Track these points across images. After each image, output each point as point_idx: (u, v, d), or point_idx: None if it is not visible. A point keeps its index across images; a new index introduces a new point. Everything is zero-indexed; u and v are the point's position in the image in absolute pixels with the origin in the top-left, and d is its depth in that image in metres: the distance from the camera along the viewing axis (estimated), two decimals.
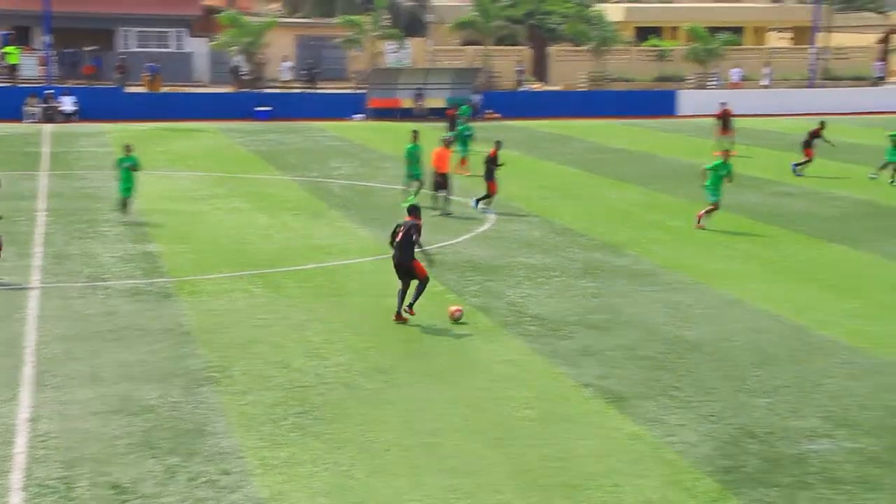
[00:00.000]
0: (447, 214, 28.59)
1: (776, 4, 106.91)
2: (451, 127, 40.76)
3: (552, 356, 16.60)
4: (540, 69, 73.25)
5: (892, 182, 34.37)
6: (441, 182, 28.88)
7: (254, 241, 25.18)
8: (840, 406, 14.46)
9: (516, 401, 14.67)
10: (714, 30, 73.11)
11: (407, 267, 18.28)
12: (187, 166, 38.30)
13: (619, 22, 79.32)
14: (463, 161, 36.25)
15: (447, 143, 29.81)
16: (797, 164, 37.31)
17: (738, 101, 63.09)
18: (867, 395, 14.92)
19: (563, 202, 31.09)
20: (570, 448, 13.14)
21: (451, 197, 29.16)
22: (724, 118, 43.26)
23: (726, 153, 27.33)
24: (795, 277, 22.09)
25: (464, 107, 46.09)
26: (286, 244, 24.87)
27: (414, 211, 18.76)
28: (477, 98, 57.70)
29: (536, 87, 69.18)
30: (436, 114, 55.83)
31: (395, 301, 18.53)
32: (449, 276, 21.72)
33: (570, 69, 71.32)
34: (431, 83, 59.72)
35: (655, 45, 76.77)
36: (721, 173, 26.70)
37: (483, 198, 29.37)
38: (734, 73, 69.65)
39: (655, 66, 72.28)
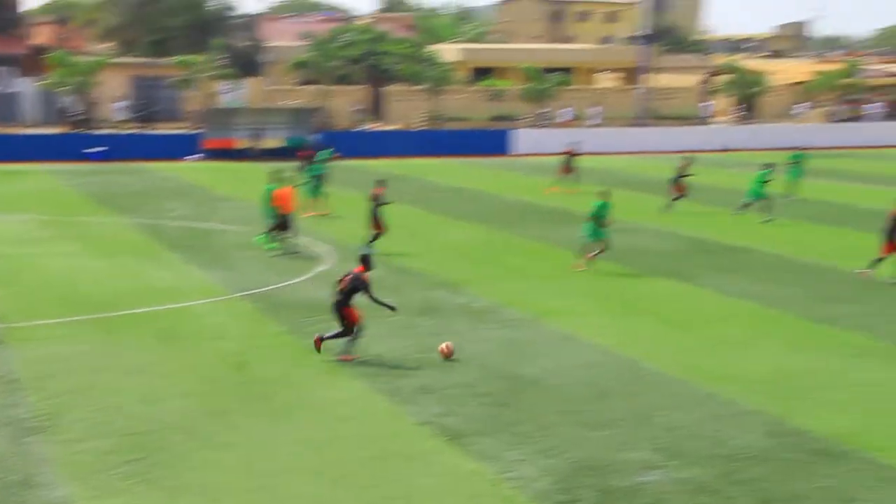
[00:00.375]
0: (291, 253, 28.49)
1: (605, 46, 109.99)
2: (304, 167, 40.69)
3: (392, 395, 16.66)
4: (378, 108, 73.70)
5: (736, 213, 35.57)
6: (284, 222, 28.78)
7: (86, 285, 24.63)
8: (671, 437, 14.87)
9: (356, 440, 14.68)
10: (547, 70, 74.79)
11: (340, 312, 18.25)
12: (15, 209, 37.26)
13: (455, 62, 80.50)
14: (314, 202, 36.06)
15: (291, 183, 29.69)
16: (674, 199, 38.13)
17: (568, 140, 64.77)
18: (696, 425, 15.38)
19: (402, 241, 31.24)
20: (411, 486, 13.20)
21: (294, 237, 29.07)
22: (569, 157, 44.38)
23: (605, 193, 27.65)
24: (629, 312, 22.64)
25: (327, 150, 45.59)
26: (120, 288, 24.39)
27: (364, 260, 18.61)
28: (315, 138, 57.66)
29: (374, 126, 69.55)
30: (273, 154, 55.74)
31: (233, 343, 18.31)
32: (288, 315, 21.62)
33: (407, 108, 71.97)
34: (268, 123, 59.51)
35: (491, 85, 78.09)
36: (602, 214, 27.07)
37: (374, 238, 29.37)
38: (564, 113, 71.27)
39: (491, 106, 73.49)
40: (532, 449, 14.38)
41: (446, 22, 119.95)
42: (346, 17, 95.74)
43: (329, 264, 27.47)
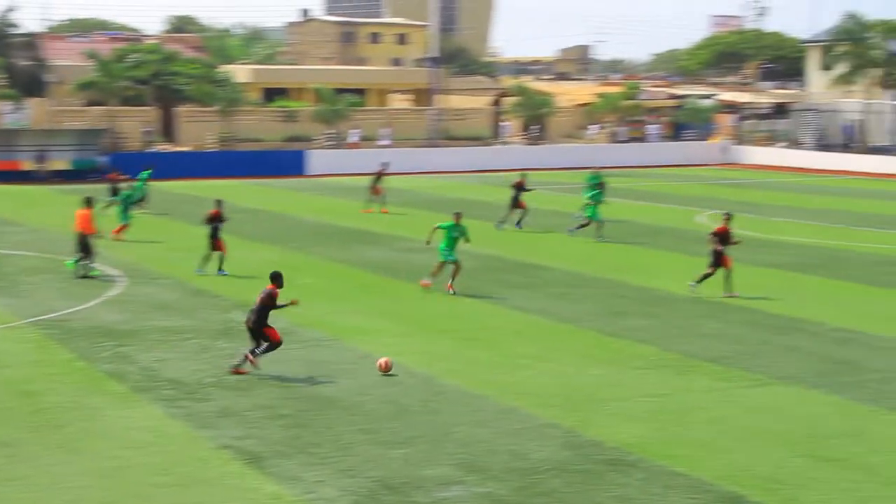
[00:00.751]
0: (86, 277, 27.66)
1: (396, 68, 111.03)
2: (114, 191, 39.63)
3: (189, 419, 16.35)
4: (168, 130, 72.31)
5: (600, 237, 36.13)
6: (84, 244, 27.96)
7: None
8: (469, 453, 15.05)
9: (153, 467, 14.33)
10: (340, 91, 74.89)
11: (258, 331, 18.80)
12: None
13: (246, 83, 79.70)
14: (123, 227, 35.03)
15: (90, 204, 28.84)
16: (518, 222, 38.82)
17: (362, 160, 65.00)
18: (493, 440, 15.60)
19: (198, 262, 30.75)
20: None
21: (91, 262, 28.19)
22: (378, 177, 44.76)
23: (458, 215, 27.50)
24: (428, 330, 22.84)
25: (144, 171, 44.26)
26: None
27: (275, 278, 19.20)
28: (104, 159, 56.19)
29: (165, 147, 68.19)
30: (60, 176, 54.18)
31: (19, 372, 17.69)
32: (79, 342, 20.97)
33: (199, 130, 70.81)
34: (54, 145, 57.67)
35: (284, 106, 77.66)
36: (454, 234, 26.94)
37: (207, 259, 28.98)
38: (353, 134, 71.36)
39: (284, 127, 73.07)
40: (332, 469, 14.33)
41: (236, 43, 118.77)
42: (133, 37, 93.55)
43: (119, 288, 26.80)
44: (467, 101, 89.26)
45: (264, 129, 72.03)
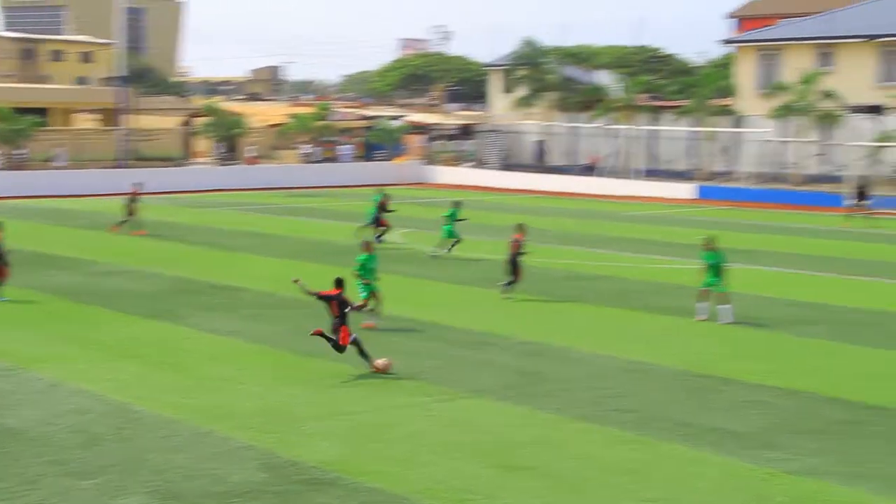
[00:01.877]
0: None
1: (81, 87, 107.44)
2: None
3: None
4: None
5: (449, 250, 37.30)
6: None
7: None
8: (165, 479, 14.69)
9: None
10: (20, 110, 71.75)
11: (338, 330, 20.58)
12: None
13: None
14: None
15: None
16: (378, 236, 39.34)
17: (45, 182, 62.61)
18: (191, 465, 15.30)
19: None
20: None
21: None
22: (133, 198, 43.54)
23: (369, 246, 26.25)
24: (116, 355, 22.16)
25: None
26: None
27: (339, 283, 21.07)
28: None
29: None
30: None
31: None
32: None
33: None
34: None
35: None
36: (370, 266, 25.70)
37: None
38: (18, 154, 68.51)
39: None
40: None
41: None
42: None
43: None
44: (157, 121, 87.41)
45: None
